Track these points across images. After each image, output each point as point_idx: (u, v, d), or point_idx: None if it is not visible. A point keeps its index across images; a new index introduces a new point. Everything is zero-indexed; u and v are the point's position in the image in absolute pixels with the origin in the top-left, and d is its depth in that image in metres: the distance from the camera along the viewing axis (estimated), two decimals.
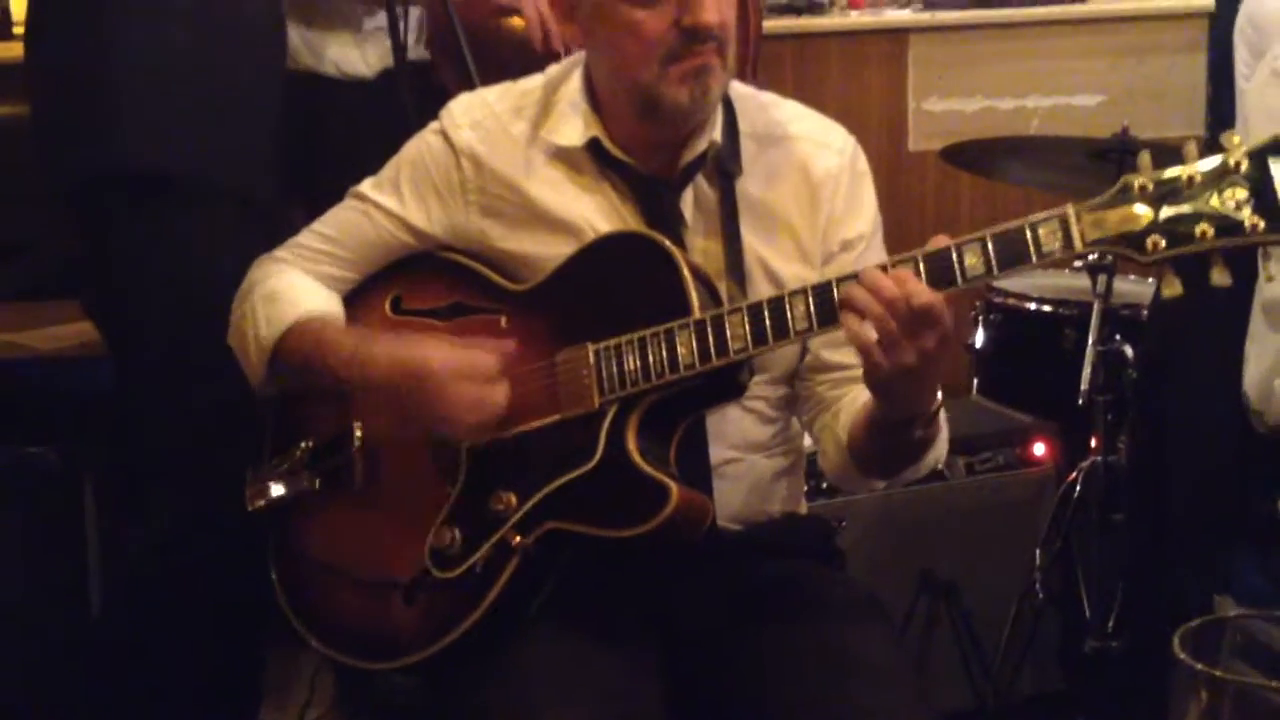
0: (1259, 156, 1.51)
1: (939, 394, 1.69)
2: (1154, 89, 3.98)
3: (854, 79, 4.01)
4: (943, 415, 1.80)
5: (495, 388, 1.75)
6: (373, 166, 2.05)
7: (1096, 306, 2.68)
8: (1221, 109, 3.83)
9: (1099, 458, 2.72)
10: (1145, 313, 2.94)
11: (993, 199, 3.87)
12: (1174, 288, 1.54)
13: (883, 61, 4.02)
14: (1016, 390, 3.15)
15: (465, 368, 1.76)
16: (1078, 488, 2.81)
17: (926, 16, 3.97)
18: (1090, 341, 2.68)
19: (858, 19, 4.02)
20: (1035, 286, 3.19)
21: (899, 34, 3.99)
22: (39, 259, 3.27)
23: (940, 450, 1.83)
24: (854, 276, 1.61)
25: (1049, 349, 3.05)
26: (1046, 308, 3.11)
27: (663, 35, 1.73)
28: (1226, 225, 1.50)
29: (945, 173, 3.52)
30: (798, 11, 3.97)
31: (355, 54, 2.94)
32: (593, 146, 1.85)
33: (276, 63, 2.52)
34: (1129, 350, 2.72)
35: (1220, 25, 3.93)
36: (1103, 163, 2.72)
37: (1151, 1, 4.01)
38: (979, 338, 3.22)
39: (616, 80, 1.81)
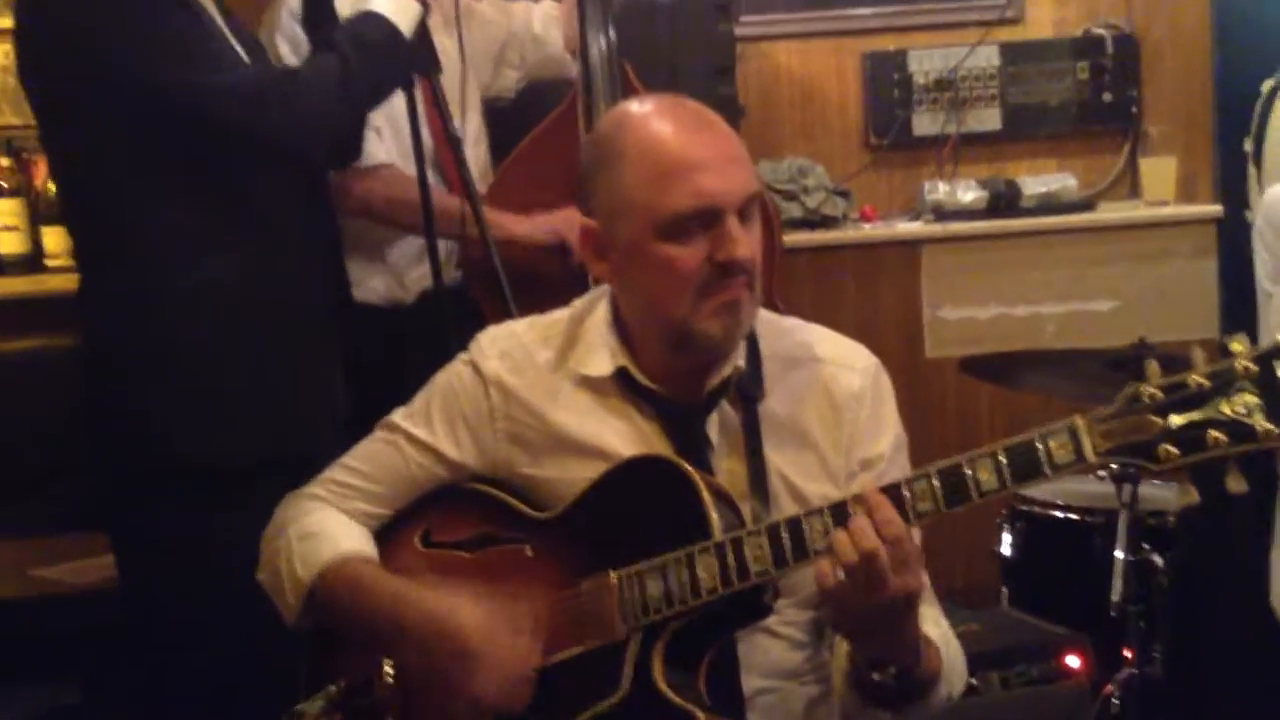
0: (1266, 362, 1.52)
1: (921, 647, 1.70)
2: (1167, 294, 4.02)
3: (869, 289, 4.06)
4: (956, 647, 1.80)
5: (525, 664, 1.78)
6: (410, 390, 2.09)
7: (1123, 516, 2.68)
8: (1235, 311, 3.87)
9: (1135, 670, 2.68)
10: (1173, 519, 2.93)
11: (1012, 404, 3.87)
12: (1190, 496, 1.55)
13: (897, 271, 4.08)
14: (1047, 599, 3.11)
15: (499, 652, 1.79)
16: (1115, 701, 2.76)
17: (938, 228, 4.03)
18: (1118, 551, 2.67)
19: (871, 231, 4.09)
20: (1061, 492, 3.18)
21: (912, 245, 4.05)
22: (67, 492, 3.30)
23: (954, 685, 1.82)
24: (854, 497, 1.63)
25: (1077, 557, 3.03)
26: (1073, 515, 3.10)
27: (696, 270, 1.76)
28: (1239, 431, 1.51)
29: (964, 379, 3.54)
30: (812, 225, 4.04)
31: (394, 281, 3.02)
32: (620, 376, 1.88)
33: (334, 349, 2.59)
34: (1159, 559, 2.71)
35: (1229, 230, 4.01)
36: (1121, 371, 2.75)
37: (1161, 209, 4.07)
38: (1006, 546, 3.21)
39: (649, 314, 1.84)
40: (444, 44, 2.67)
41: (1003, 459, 1.59)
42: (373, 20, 2.41)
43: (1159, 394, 1.54)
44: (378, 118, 2.69)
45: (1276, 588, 2.71)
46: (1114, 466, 2.61)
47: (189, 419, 2.36)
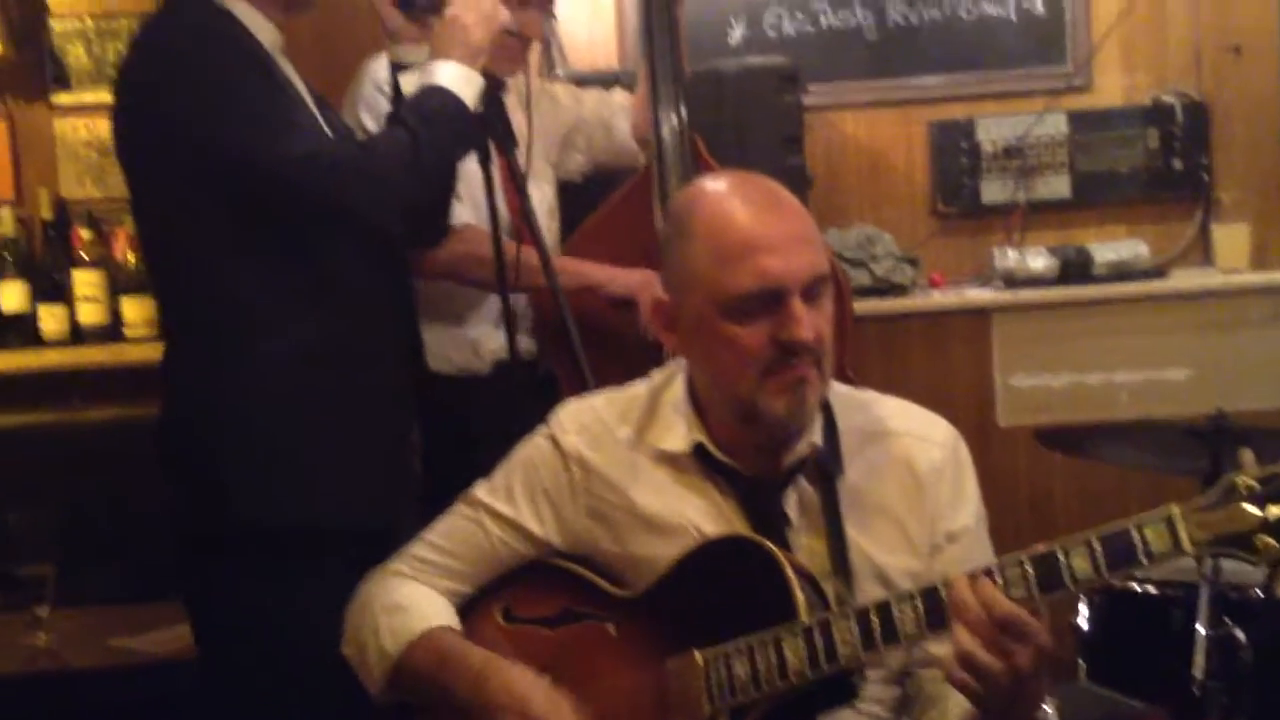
0: None
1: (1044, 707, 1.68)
2: (1241, 362, 3.99)
3: (939, 357, 4.06)
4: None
5: None
6: (483, 460, 2.10)
7: (1204, 589, 2.64)
8: None
9: None
10: (1257, 592, 2.88)
11: (1085, 475, 3.86)
12: None
13: (967, 339, 4.07)
14: (1126, 674, 3.06)
15: None
16: None
17: (1009, 295, 4.03)
18: (1200, 626, 2.63)
19: (940, 299, 4.09)
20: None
21: (982, 312, 4.05)
22: (145, 560, 3.33)
23: None
24: (964, 580, 1.60)
25: (1157, 631, 2.97)
26: (1152, 589, 3.05)
27: (760, 349, 1.77)
28: None
29: (1037, 447, 3.52)
30: (881, 293, 4.05)
31: (470, 351, 3.05)
32: (697, 451, 1.89)
33: (409, 418, 2.62)
34: (1241, 635, 2.67)
35: None
36: (1198, 442, 2.72)
37: (1234, 277, 4.05)
38: (1083, 619, 3.16)
39: (717, 388, 1.86)
40: (517, 120, 2.70)
41: (1097, 547, 1.57)
42: (438, 94, 2.44)
43: (1255, 485, 1.53)
44: (459, 187, 2.72)
45: None
46: None
47: (266, 484, 2.39)
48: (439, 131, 2.40)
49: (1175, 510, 1.55)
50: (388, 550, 2.16)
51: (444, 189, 2.58)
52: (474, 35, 2.48)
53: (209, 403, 2.42)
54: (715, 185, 1.89)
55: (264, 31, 2.46)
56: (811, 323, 1.77)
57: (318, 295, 2.44)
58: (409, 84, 2.51)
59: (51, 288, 4.07)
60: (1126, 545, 1.57)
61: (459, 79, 2.45)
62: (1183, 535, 1.54)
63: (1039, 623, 1.57)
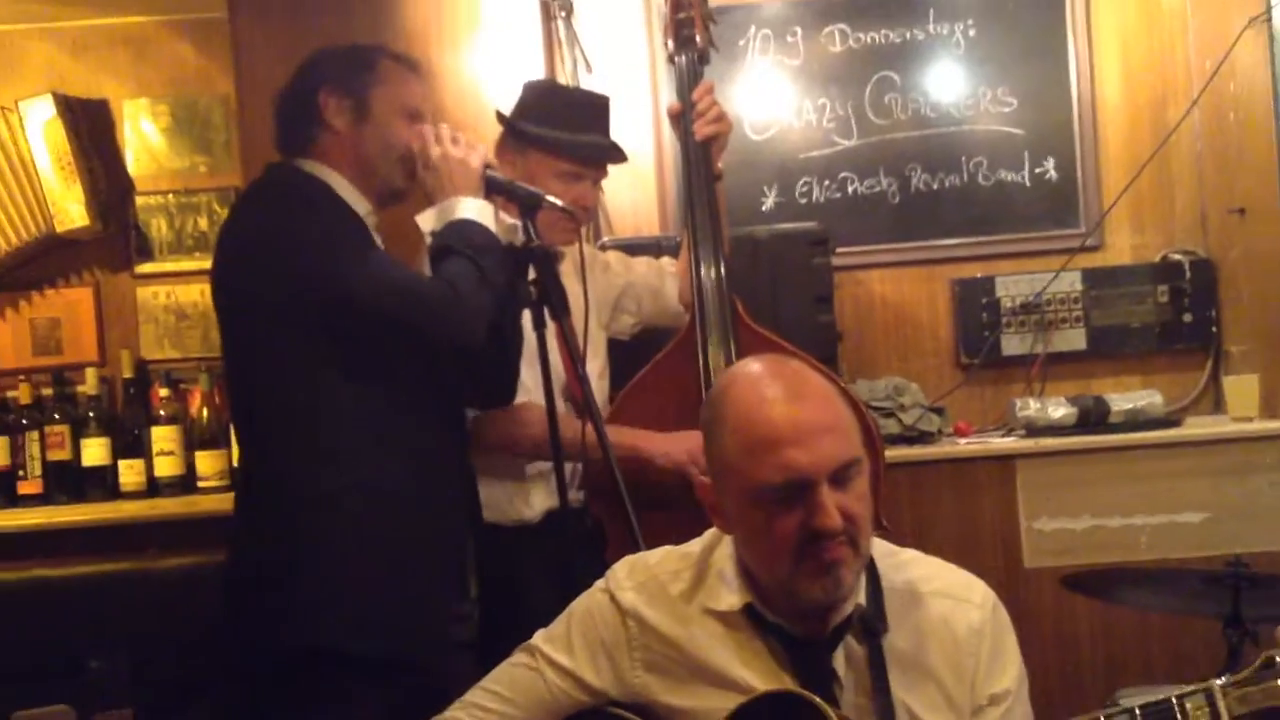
0: None
1: None
2: (1255, 506, 3.95)
3: (967, 502, 4.03)
4: None
5: None
6: (532, 605, 2.12)
7: None
8: None
9: None
10: None
11: (1109, 614, 3.82)
12: None
13: (993, 484, 4.04)
14: None
15: None
16: None
17: (1031, 443, 4.03)
18: None
19: (966, 446, 4.09)
20: None
21: (1006, 459, 4.02)
22: (216, 704, 3.33)
23: None
24: None
25: None
26: None
27: (790, 537, 1.78)
28: None
29: (1062, 588, 3.50)
30: (910, 441, 4.05)
31: (521, 501, 3.08)
32: (748, 611, 1.90)
33: (465, 561, 2.67)
34: None
35: None
36: (1217, 588, 2.72)
37: (1246, 425, 4.04)
38: None
39: (757, 569, 1.87)
40: (574, 289, 2.76)
41: (1139, 717, 1.58)
42: (471, 225, 2.54)
43: None
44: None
45: None
46: None
47: (328, 609, 2.43)
48: (491, 257, 2.51)
49: (1216, 686, 1.56)
50: (439, 684, 2.18)
51: (515, 350, 2.66)
52: (471, 168, 2.58)
53: (277, 533, 2.48)
54: (747, 372, 1.90)
55: (359, 203, 2.59)
56: (841, 507, 1.77)
57: (385, 443, 2.51)
58: (428, 220, 2.60)
59: (131, 443, 4.15)
60: (1168, 718, 1.57)
61: (479, 210, 2.57)
62: (1222, 709, 1.55)
63: None
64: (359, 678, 2.41)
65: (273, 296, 2.47)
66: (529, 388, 2.95)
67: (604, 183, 3.94)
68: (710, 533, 2.02)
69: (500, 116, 3.16)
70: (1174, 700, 1.57)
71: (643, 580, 1.99)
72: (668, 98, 3.95)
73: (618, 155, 3.22)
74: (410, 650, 2.47)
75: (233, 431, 4.07)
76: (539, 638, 2.03)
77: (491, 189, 2.65)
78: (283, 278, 2.46)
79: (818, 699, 1.78)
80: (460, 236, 2.52)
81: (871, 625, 1.88)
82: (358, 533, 2.46)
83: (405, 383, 2.54)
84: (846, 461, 1.79)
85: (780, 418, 1.79)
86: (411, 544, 2.51)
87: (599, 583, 2.03)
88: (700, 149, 3.19)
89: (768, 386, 1.84)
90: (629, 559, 2.05)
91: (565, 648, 1.99)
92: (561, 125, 3.10)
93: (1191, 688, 1.57)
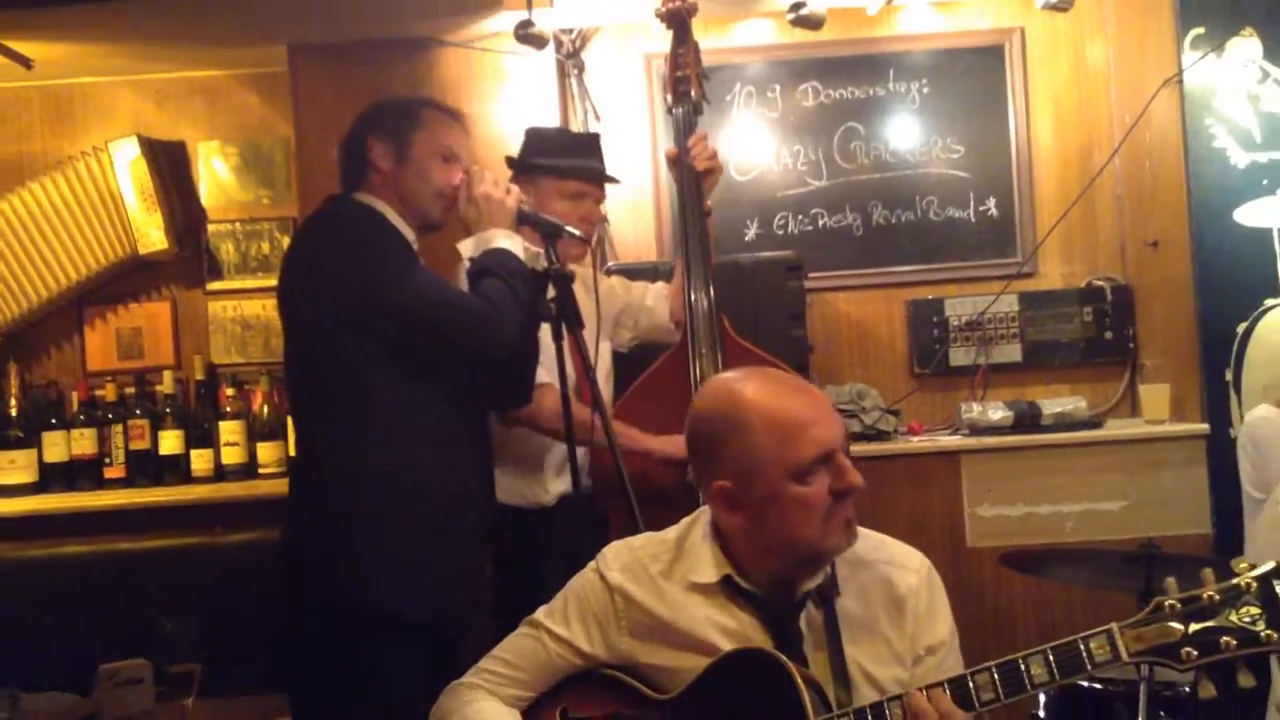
0: (1265, 581, 1.53)
1: None
2: (1165, 495, 3.97)
3: (918, 491, 4.03)
4: None
5: None
6: (543, 579, 2.12)
7: (1143, 687, 2.63)
8: (1223, 510, 3.83)
9: None
10: (1185, 690, 2.86)
11: (1040, 588, 3.83)
12: (1209, 691, 1.54)
13: (940, 476, 4.04)
14: None
15: None
16: None
17: (974, 441, 4.03)
18: (1140, 718, 2.61)
19: (918, 443, 4.09)
20: None
21: (952, 455, 4.03)
22: (271, 661, 3.34)
23: None
24: (920, 694, 1.64)
25: None
26: (1098, 686, 3.04)
27: (822, 500, 1.80)
28: (1246, 637, 1.51)
29: (1000, 566, 3.50)
30: (870, 438, 4.05)
31: (539, 488, 3.08)
32: (725, 582, 1.90)
33: (485, 538, 2.67)
34: None
35: (1216, 444, 3.98)
36: (1132, 566, 2.72)
37: (1158, 427, 4.04)
38: (1041, 709, 3.13)
39: (783, 543, 1.85)
40: (586, 305, 2.77)
41: (1052, 657, 1.59)
42: (504, 253, 2.57)
43: (1179, 605, 1.54)
44: (542, 358, 2.80)
45: None
46: None
47: (379, 574, 2.43)
48: (521, 281, 2.54)
49: (1115, 627, 1.57)
50: (463, 645, 2.18)
51: (533, 360, 2.67)
52: (507, 206, 2.61)
53: (333, 510, 2.49)
54: (748, 385, 1.89)
55: (406, 231, 2.60)
56: (856, 470, 1.83)
57: (426, 432, 2.52)
58: (467, 247, 2.62)
59: (201, 435, 4.15)
60: (1075, 655, 1.58)
61: (511, 241, 2.59)
62: (1121, 647, 1.56)
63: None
64: (403, 635, 2.41)
65: (333, 307, 2.48)
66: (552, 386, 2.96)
67: (609, 214, 3.96)
68: (684, 522, 2.02)
69: (510, 160, 3.20)
70: (1080, 641, 1.59)
71: (627, 561, 1.99)
72: (665, 144, 3.97)
73: (613, 177, 3.27)
74: (448, 611, 2.47)
75: (290, 422, 4.09)
76: (540, 613, 2.03)
77: (521, 221, 2.67)
78: (342, 291, 2.47)
79: (782, 656, 1.79)
80: (497, 261, 2.55)
81: (826, 590, 1.89)
82: (403, 508, 2.47)
83: (442, 383, 2.55)
84: (846, 434, 1.86)
85: (800, 405, 1.83)
86: (448, 518, 2.52)
87: (590, 564, 2.03)
88: (694, 187, 3.20)
89: (775, 386, 1.87)
90: (616, 544, 2.05)
91: (563, 620, 2.00)
92: (565, 154, 3.16)
93: (1095, 630, 1.58)
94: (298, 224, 4.11)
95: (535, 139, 3.24)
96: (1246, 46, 4.13)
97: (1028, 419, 4.03)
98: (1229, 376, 4.05)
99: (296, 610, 2.50)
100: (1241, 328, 4.01)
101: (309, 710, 2.52)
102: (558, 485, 3.08)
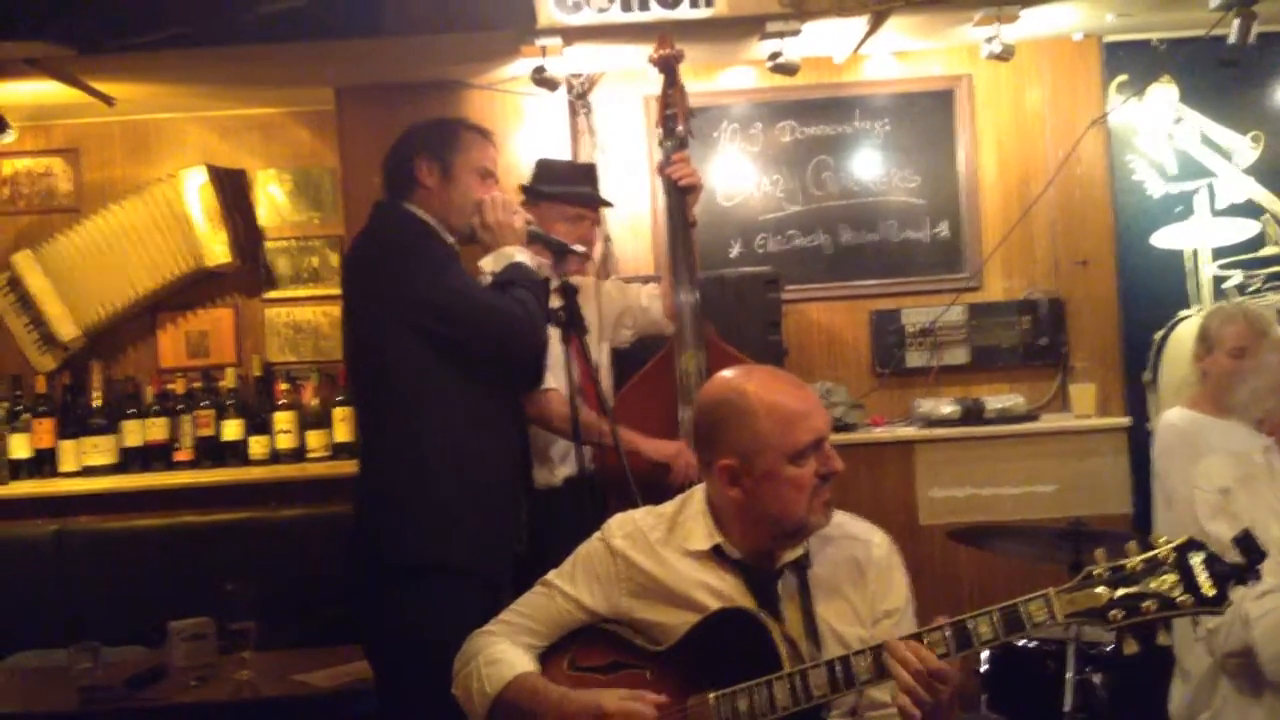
0: (1180, 552, 1.52)
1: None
2: (1091, 479, 3.96)
3: (878, 475, 4.03)
4: None
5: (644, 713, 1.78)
6: (553, 547, 2.11)
7: (1071, 645, 2.61)
8: (1142, 492, 3.80)
9: None
10: (1108, 649, 2.84)
11: (983, 561, 3.80)
12: (1132, 647, 1.53)
13: (897, 462, 4.04)
14: (1015, 705, 3.02)
15: (630, 710, 1.79)
16: None
17: (926, 432, 4.02)
18: (1068, 672, 2.60)
19: (879, 434, 4.08)
20: None
21: (908, 444, 4.03)
22: (318, 619, 3.33)
23: None
24: (901, 643, 1.62)
25: (1038, 675, 2.94)
26: (1033, 644, 3.03)
27: (810, 481, 1.81)
28: (1165, 601, 1.51)
29: (948, 542, 3.49)
30: (837, 430, 4.02)
31: (548, 472, 3.06)
32: (715, 550, 1.89)
33: (520, 507, 2.65)
34: (1097, 679, 2.63)
35: (1135, 436, 3.99)
36: (1063, 541, 2.71)
37: (1085, 420, 4.04)
38: (984, 664, 3.12)
39: (775, 517, 1.85)
40: (589, 312, 2.75)
41: (996, 618, 1.58)
42: (524, 267, 2.56)
43: (1106, 573, 1.53)
44: (548, 359, 2.77)
45: (1173, 705, 2.64)
46: None
47: (427, 528, 2.42)
48: (540, 288, 2.53)
49: (1050, 592, 1.57)
50: (503, 596, 2.17)
51: (542, 351, 2.65)
52: (517, 228, 2.60)
53: (396, 481, 2.48)
54: (752, 379, 1.89)
55: (448, 238, 2.57)
56: (839, 457, 1.84)
57: (470, 413, 2.50)
58: (487, 264, 2.61)
59: (259, 423, 4.14)
60: (1016, 616, 1.58)
61: (526, 256, 2.58)
62: (1056, 609, 1.55)
63: (954, 670, 1.58)
64: (454, 585, 2.39)
65: (388, 306, 2.47)
66: (557, 385, 2.94)
67: (612, 235, 3.94)
68: (677, 499, 2.01)
69: (522, 187, 3.21)
70: (1020, 604, 1.58)
71: (629, 530, 1.98)
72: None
73: (606, 202, 3.32)
74: (492, 565, 2.45)
75: (334, 414, 4.08)
76: (552, 575, 2.02)
77: (532, 240, 2.65)
78: (396, 292, 2.46)
79: (760, 614, 1.79)
80: (520, 273, 2.54)
81: (800, 560, 1.89)
82: (455, 479, 2.45)
83: (481, 371, 2.52)
84: (832, 425, 1.85)
85: (798, 398, 1.84)
86: (492, 488, 2.50)
87: (596, 533, 2.02)
88: (678, 201, 3.17)
89: (776, 381, 1.87)
90: (619, 515, 2.05)
91: (570, 580, 1.99)
92: (565, 183, 3.18)
93: (1033, 594, 1.58)
94: (344, 241, 4.09)
95: (543, 169, 3.26)
96: (1164, 92, 4.13)
97: (973, 413, 4.02)
98: (1147, 378, 4.05)
99: (372, 565, 2.47)
100: (1158, 336, 4.01)
101: (385, 650, 2.49)
102: (563, 470, 3.07)
